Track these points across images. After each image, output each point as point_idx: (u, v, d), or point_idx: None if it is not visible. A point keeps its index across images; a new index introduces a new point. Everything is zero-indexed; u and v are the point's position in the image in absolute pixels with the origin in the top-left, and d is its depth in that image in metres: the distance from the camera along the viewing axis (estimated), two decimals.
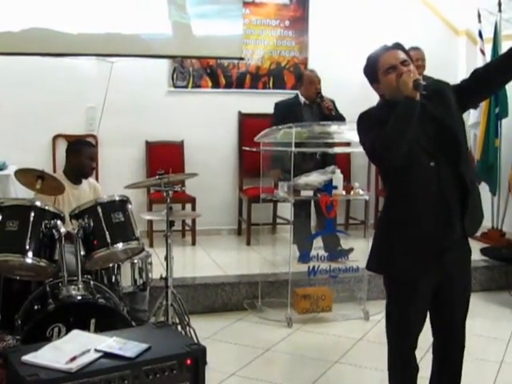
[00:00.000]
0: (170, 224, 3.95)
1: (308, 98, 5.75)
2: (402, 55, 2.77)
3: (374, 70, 2.80)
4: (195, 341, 3.81)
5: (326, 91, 6.32)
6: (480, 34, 6.42)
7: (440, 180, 2.69)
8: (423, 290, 2.81)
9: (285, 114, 5.58)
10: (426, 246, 2.74)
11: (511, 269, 5.65)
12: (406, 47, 2.89)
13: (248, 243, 6.32)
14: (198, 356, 2.63)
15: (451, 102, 2.76)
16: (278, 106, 5.89)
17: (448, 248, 2.76)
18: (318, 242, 4.92)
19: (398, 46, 2.82)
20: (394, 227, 2.80)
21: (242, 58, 6.47)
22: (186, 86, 6.61)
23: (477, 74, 2.80)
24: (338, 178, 4.78)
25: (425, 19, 7.03)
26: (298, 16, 6.81)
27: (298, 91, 5.93)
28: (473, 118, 6.38)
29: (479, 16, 6.39)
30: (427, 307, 2.89)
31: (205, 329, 4.39)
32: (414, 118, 2.64)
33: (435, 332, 2.97)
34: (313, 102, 5.73)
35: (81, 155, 4.27)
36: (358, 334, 4.45)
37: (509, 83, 2.81)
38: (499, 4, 6.14)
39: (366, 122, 2.81)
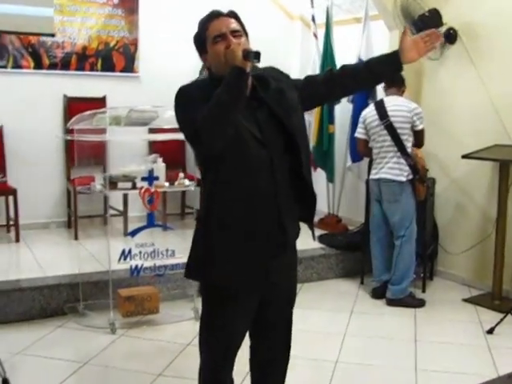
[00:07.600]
0: None
1: None
2: (233, 24, 2.34)
3: (202, 38, 2.36)
4: None
5: (158, 72, 6.02)
6: (313, 19, 6.37)
7: (273, 174, 2.29)
8: (247, 305, 2.42)
9: None
10: (253, 251, 2.32)
11: (348, 257, 5.60)
12: None
13: (76, 237, 5.86)
14: None
15: (294, 102, 2.41)
16: None
17: (275, 255, 2.39)
18: (143, 239, 4.46)
19: (231, 14, 2.38)
20: (215, 228, 2.33)
21: (52, 35, 5.92)
22: (5, 66, 6.01)
23: (330, 79, 2.50)
24: (160, 167, 4.34)
25: (260, 5, 6.84)
26: None
27: None
28: None
29: (312, 1, 6.32)
30: (249, 326, 2.52)
31: (17, 341, 3.98)
32: (244, 92, 2.22)
33: (253, 358, 2.65)
34: None
35: None
36: (187, 338, 4.12)
37: None
38: None
39: (184, 96, 2.34)
